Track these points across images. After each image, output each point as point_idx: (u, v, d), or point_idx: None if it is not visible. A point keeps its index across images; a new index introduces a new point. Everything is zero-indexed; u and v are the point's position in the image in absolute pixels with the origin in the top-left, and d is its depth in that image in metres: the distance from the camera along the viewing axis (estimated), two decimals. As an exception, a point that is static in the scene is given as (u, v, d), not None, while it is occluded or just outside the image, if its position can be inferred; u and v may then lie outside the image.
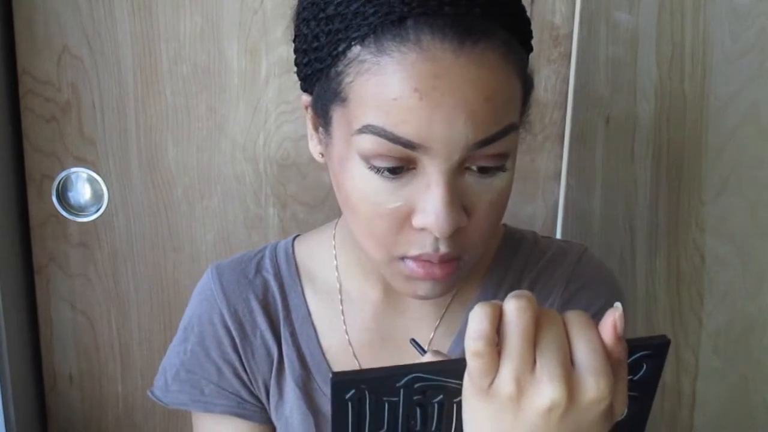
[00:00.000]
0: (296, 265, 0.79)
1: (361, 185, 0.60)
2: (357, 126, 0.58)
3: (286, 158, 1.13)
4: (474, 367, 0.46)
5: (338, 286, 0.77)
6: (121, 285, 1.18)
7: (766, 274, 1.19)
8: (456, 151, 0.57)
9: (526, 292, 0.47)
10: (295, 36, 0.65)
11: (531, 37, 0.64)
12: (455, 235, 0.60)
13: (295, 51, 0.65)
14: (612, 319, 0.46)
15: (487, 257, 0.78)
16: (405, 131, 0.56)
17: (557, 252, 0.79)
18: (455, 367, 0.47)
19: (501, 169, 0.60)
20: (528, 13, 0.63)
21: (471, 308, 0.75)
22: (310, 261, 0.79)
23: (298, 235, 0.83)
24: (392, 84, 0.56)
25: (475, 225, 0.61)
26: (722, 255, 1.18)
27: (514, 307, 0.46)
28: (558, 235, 1.16)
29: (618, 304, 0.47)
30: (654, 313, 1.21)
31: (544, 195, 1.15)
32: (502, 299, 0.75)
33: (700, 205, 1.16)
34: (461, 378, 0.47)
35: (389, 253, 0.62)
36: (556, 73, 1.10)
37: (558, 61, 1.09)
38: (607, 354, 0.46)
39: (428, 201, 0.58)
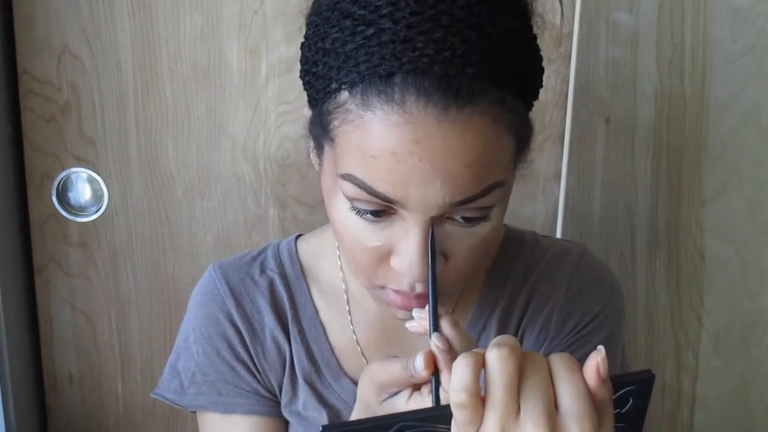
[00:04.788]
0: (300, 264, 0.79)
1: (345, 221, 0.61)
2: (340, 171, 0.59)
3: (286, 158, 1.13)
4: (459, 418, 0.46)
5: (343, 286, 0.77)
6: (121, 285, 1.18)
7: (766, 274, 1.19)
8: (432, 209, 0.57)
9: (508, 338, 0.48)
10: (301, 53, 0.65)
11: (537, 85, 0.62)
12: None
13: (300, 61, 0.65)
14: (595, 362, 0.46)
15: (489, 259, 0.78)
16: (382, 188, 0.56)
17: (558, 252, 0.79)
18: (442, 413, 0.48)
19: (484, 219, 0.60)
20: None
21: (476, 309, 0.76)
22: (314, 261, 0.80)
23: (299, 235, 0.83)
24: (372, 142, 0.56)
25: (455, 267, 0.62)
26: (722, 255, 1.18)
27: (496, 356, 0.46)
28: (558, 235, 1.16)
29: (601, 347, 0.47)
30: (654, 313, 1.21)
31: (544, 195, 1.15)
32: (506, 300, 0.76)
33: (700, 205, 1.16)
34: (449, 423, 0.48)
35: (370, 281, 0.64)
36: (556, 73, 1.10)
37: (558, 61, 1.09)
38: (591, 396, 0.46)
39: (405, 247, 0.59)
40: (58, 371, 1.21)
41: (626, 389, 0.49)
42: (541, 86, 0.63)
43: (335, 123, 0.58)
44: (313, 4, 0.63)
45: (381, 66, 0.55)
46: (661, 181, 1.15)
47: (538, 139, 1.11)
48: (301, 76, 0.64)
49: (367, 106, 0.56)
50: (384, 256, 0.61)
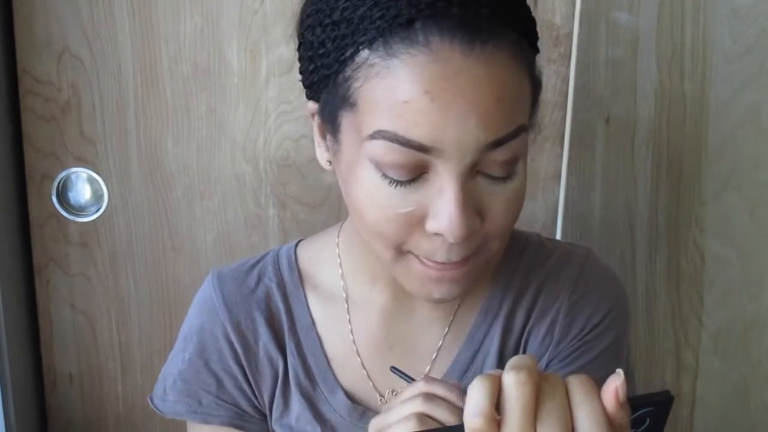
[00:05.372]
0: (299, 272, 0.78)
1: (373, 190, 0.60)
2: (368, 131, 0.58)
3: (286, 158, 1.13)
4: None
5: (344, 292, 0.76)
6: (121, 285, 1.18)
7: (766, 274, 1.19)
8: (468, 152, 0.57)
9: (526, 361, 0.47)
10: (300, 44, 0.65)
11: (537, 38, 0.64)
12: (469, 240, 0.59)
13: (300, 59, 0.65)
14: (614, 387, 0.46)
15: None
16: (417, 134, 0.56)
17: (563, 254, 0.78)
18: None
19: (512, 173, 0.60)
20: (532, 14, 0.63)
21: (479, 312, 0.75)
22: (313, 267, 0.78)
23: (300, 240, 0.82)
24: (402, 87, 0.56)
25: (490, 228, 0.61)
26: (722, 255, 1.18)
27: (513, 381, 0.46)
28: (558, 235, 1.16)
29: (620, 371, 0.46)
30: (654, 313, 1.21)
31: (544, 195, 1.15)
32: (510, 303, 0.76)
33: (700, 205, 1.16)
34: None
35: (399, 249, 0.62)
36: (556, 73, 1.10)
37: (558, 61, 1.09)
38: (609, 420, 0.46)
39: (442, 205, 0.58)
40: (58, 371, 1.21)
41: (644, 410, 0.48)
42: (537, 37, 0.64)
43: (356, 85, 0.58)
44: None
45: (399, 17, 0.56)
46: (661, 181, 1.15)
47: (538, 138, 1.12)
48: (303, 71, 0.64)
49: (391, 54, 0.56)
50: (416, 223, 0.60)
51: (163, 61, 1.10)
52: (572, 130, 1.12)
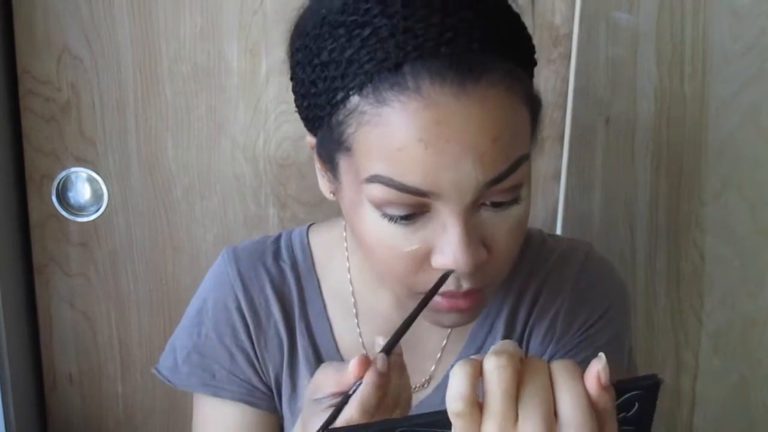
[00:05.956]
0: (312, 257, 0.79)
1: (376, 230, 0.59)
2: (364, 175, 0.57)
3: (286, 158, 1.13)
4: (457, 426, 0.46)
5: (351, 285, 0.77)
6: (121, 285, 1.18)
7: (766, 274, 1.19)
8: (467, 194, 0.56)
9: (508, 345, 0.47)
10: (291, 76, 0.64)
11: (533, 53, 0.62)
12: (477, 270, 0.59)
13: (294, 92, 0.65)
14: (596, 370, 0.45)
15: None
16: (413, 180, 0.55)
17: (564, 251, 0.79)
18: (442, 418, 0.47)
19: (516, 201, 0.60)
20: (528, 14, 0.63)
21: (481, 314, 0.75)
22: (325, 257, 0.79)
23: (311, 224, 0.82)
24: (395, 134, 0.55)
25: (497, 256, 0.61)
26: (722, 255, 1.18)
27: (494, 364, 0.46)
28: (558, 235, 1.16)
29: (602, 354, 0.46)
30: (654, 312, 1.21)
31: (544, 195, 1.15)
32: (512, 301, 0.76)
33: (700, 205, 1.16)
34: (449, 427, 0.47)
35: (411, 290, 0.62)
36: (556, 73, 1.10)
37: (558, 61, 1.09)
38: (592, 404, 0.45)
39: (446, 242, 0.58)
40: (58, 371, 1.21)
41: (631, 394, 0.49)
42: (535, 52, 0.63)
43: (349, 130, 0.58)
44: (295, 29, 0.63)
45: (387, 60, 0.55)
46: (661, 181, 1.15)
47: (538, 139, 1.12)
48: (298, 105, 0.64)
49: (381, 102, 0.55)
50: (422, 259, 0.60)
51: (162, 61, 1.10)
52: (572, 130, 1.12)
